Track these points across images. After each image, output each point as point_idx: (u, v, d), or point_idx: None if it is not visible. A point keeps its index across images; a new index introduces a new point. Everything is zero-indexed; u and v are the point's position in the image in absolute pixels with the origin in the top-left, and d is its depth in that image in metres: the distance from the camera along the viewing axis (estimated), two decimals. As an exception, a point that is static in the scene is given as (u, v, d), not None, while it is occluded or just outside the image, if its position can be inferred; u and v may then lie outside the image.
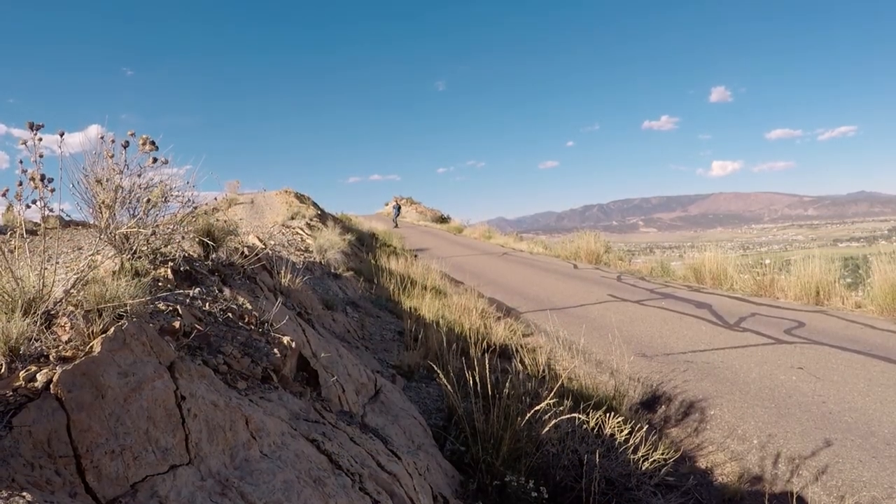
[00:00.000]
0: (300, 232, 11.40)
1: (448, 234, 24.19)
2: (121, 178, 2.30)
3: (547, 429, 2.69)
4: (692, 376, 4.41)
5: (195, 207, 2.89)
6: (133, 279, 1.79)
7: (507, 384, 2.87)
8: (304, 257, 7.96)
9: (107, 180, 2.27)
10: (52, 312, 1.54)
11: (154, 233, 2.59)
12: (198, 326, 2.06)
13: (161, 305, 2.11)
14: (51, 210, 1.70)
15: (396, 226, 25.84)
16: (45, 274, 1.55)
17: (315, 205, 19.30)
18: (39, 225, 1.67)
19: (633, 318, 6.46)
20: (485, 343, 4.63)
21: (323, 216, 17.45)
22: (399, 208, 30.90)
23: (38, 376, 1.25)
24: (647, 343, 5.43)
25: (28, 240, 1.65)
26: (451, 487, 2.45)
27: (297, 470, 1.55)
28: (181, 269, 2.66)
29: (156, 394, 1.38)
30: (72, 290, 1.65)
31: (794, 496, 2.59)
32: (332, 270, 7.93)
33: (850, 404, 3.62)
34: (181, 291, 2.39)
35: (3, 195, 1.62)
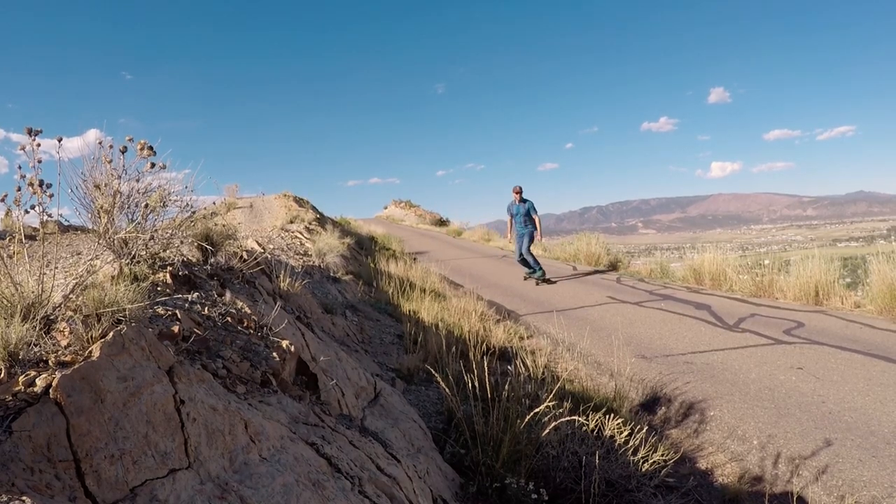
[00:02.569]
0: (299, 236, 11.40)
1: (447, 237, 24.19)
2: (119, 183, 2.31)
3: (547, 431, 2.69)
4: (692, 377, 4.41)
5: (194, 212, 2.89)
6: (132, 284, 1.79)
7: (507, 387, 2.87)
8: (304, 261, 7.97)
9: (105, 185, 2.28)
10: (52, 317, 1.55)
11: (153, 237, 2.60)
12: (197, 331, 2.06)
13: (160, 310, 2.11)
14: (49, 215, 1.70)
15: (522, 256, 9.75)
16: (44, 279, 1.56)
17: (314, 208, 19.30)
18: (38, 230, 1.67)
19: (632, 320, 6.47)
20: (484, 346, 4.63)
21: (322, 220, 17.45)
22: (530, 213, 9.74)
23: (38, 381, 1.25)
24: (646, 344, 5.43)
25: (27, 245, 1.65)
26: (451, 490, 2.45)
27: (296, 473, 1.55)
28: (180, 273, 2.66)
29: (155, 398, 1.39)
30: (71, 296, 1.66)
31: (795, 496, 2.59)
32: (332, 274, 7.93)
33: (849, 404, 3.63)
34: (180, 296, 2.40)
35: (2, 200, 1.62)
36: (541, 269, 9.85)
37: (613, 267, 11.50)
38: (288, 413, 1.93)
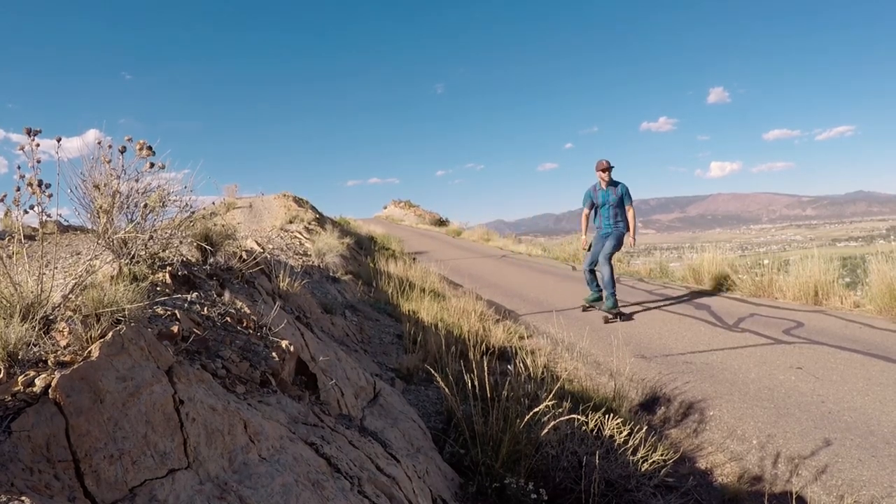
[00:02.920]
0: (298, 236, 11.40)
1: (447, 237, 24.20)
2: (118, 184, 2.31)
3: (546, 431, 2.69)
4: (691, 377, 4.41)
5: (193, 212, 2.89)
6: (131, 284, 1.79)
7: (506, 386, 2.87)
8: (303, 261, 7.97)
9: (104, 185, 2.28)
10: (51, 317, 1.54)
11: (152, 237, 2.59)
12: (196, 331, 2.06)
13: (159, 310, 2.11)
14: (48, 215, 1.70)
15: (593, 266, 6.68)
16: (44, 279, 1.56)
17: (313, 208, 19.29)
18: (37, 230, 1.67)
19: (632, 320, 6.47)
20: (484, 345, 4.63)
21: (321, 220, 17.45)
22: (623, 202, 6.51)
23: (37, 381, 1.25)
24: (646, 344, 5.43)
25: (26, 245, 1.65)
26: (451, 490, 2.45)
27: (295, 473, 1.55)
28: (179, 273, 2.66)
29: (154, 398, 1.38)
30: (70, 296, 1.66)
31: (794, 496, 2.59)
32: (331, 274, 7.93)
33: (849, 403, 3.63)
34: (179, 296, 2.40)
35: (2, 200, 1.62)
36: (614, 294, 6.38)
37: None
38: (287, 413, 1.93)
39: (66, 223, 5.71)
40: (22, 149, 1.68)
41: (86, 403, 1.22)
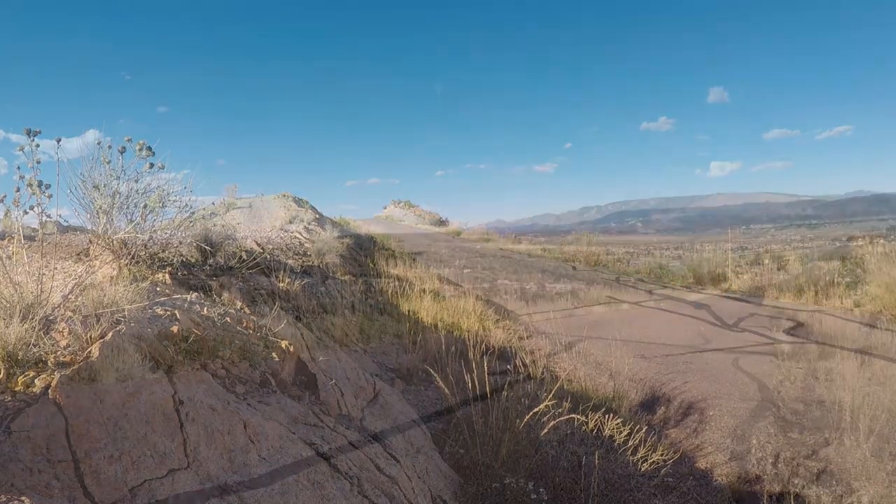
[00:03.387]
0: (298, 236, 11.39)
1: (446, 237, 24.15)
2: (118, 184, 2.31)
3: (546, 430, 2.69)
4: (691, 377, 4.41)
5: (193, 212, 2.90)
6: (131, 284, 1.79)
7: (506, 386, 2.87)
8: (303, 261, 7.96)
9: (104, 186, 2.28)
10: (51, 318, 1.55)
11: (151, 238, 2.60)
12: (196, 331, 2.06)
13: (159, 310, 2.11)
14: (48, 216, 1.70)
15: None
16: (44, 280, 1.56)
17: (313, 209, 19.25)
18: (38, 230, 1.67)
19: (632, 319, 6.47)
20: (483, 345, 4.63)
21: (321, 220, 17.42)
22: None
23: (37, 381, 1.25)
24: (646, 344, 5.43)
25: (26, 245, 1.65)
26: (451, 490, 2.45)
27: (295, 474, 1.55)
28: (179, 273, 2.67)
29: (154, 398, 1.39)
30: (70, 296, 1.66)
31: (793, 495, 2.59)
32: (331, 274, 7.92)
33: (849, 403, 3.62)
34: (179, 296, 2.40)
35: (1, 201, 1.62)
36: None
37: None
38: (287, 413, 1.93)
39: (66, 223, 5.71)
40: (21, 149, 1.68)
41: (86, 404, 1.22)
